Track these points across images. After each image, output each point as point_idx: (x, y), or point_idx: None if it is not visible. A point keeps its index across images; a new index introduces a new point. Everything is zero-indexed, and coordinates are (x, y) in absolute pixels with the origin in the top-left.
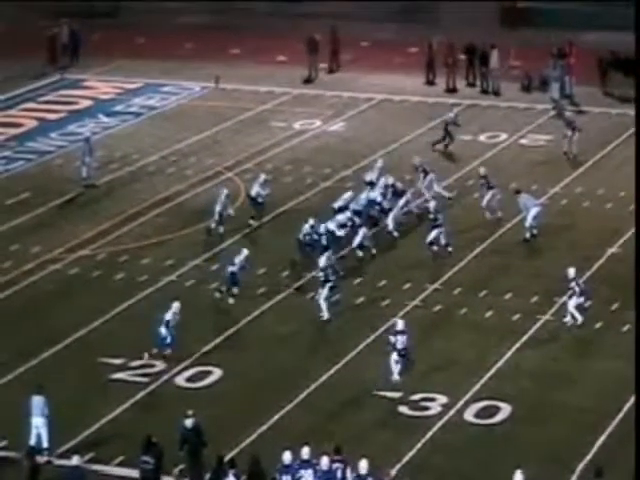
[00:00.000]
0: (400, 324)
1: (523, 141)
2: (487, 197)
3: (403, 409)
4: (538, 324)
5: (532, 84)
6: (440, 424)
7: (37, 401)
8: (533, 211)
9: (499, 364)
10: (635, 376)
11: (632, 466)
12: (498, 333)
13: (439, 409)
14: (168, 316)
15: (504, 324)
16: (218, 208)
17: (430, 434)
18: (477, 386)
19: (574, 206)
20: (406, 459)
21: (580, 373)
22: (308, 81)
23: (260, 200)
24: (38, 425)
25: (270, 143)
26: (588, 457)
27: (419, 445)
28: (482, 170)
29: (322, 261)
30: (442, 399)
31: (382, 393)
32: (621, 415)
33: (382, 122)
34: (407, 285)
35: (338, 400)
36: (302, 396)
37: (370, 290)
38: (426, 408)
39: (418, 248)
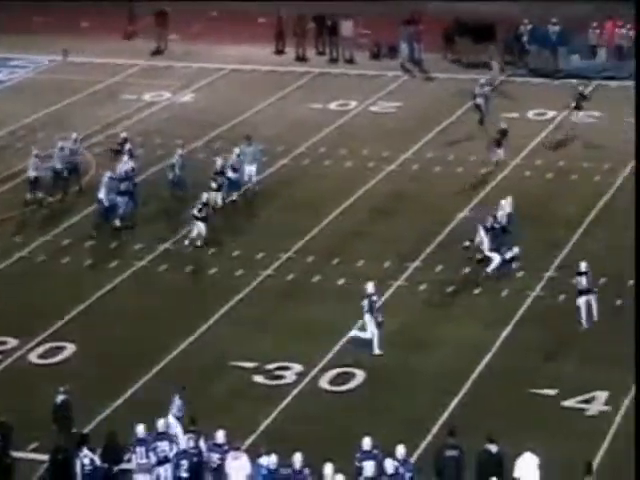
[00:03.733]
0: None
1: (373, 108)
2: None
3: (258, 378)
4: (391, 290)
5: (381, 52)
6: (295, 392)
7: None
8: (247, 169)
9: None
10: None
11: (485, 426)
12: (352, 300)
13: (294, 377)
14: None
15: (357, 291)
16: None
17: (285, 403)
18: (331, 353)
19: (425, 171)
20: (262, 428)
21: (433, 337)
22: (157, 53)
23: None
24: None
25: (120, 115)
26: (442, 419)
27: (275, 414)
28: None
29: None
30: (297, 367)
31: (237, 363)
32: (474, 377)
33: (232, 92)
34: (260, 255)
35: (194, 371)
36: (157, 369)
37: (224, 260)
38: (281, 377)
39: (272, 218)
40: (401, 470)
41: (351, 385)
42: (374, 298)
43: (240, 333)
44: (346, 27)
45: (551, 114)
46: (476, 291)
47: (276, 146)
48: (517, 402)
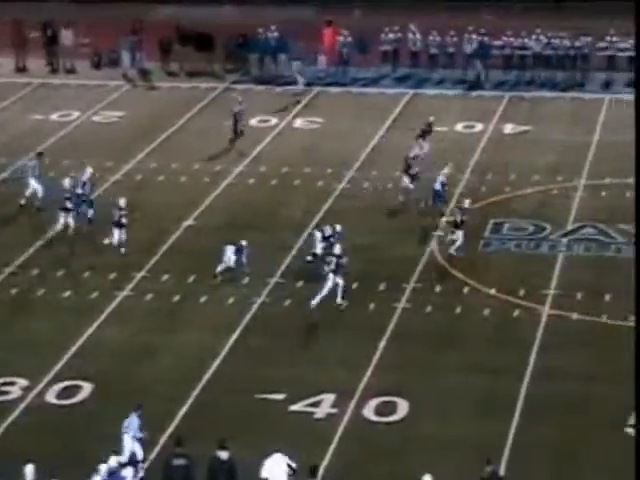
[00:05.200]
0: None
1: (95, 118)
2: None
3: None
4: (117, 300)
5: (102, 61)
6: (22, 407)
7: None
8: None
9: (79, 343)
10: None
11: (214, 433)
12: (77, 312)
13: (20, 392)
14: None
15: (83, 302)
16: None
17: (12, 418)
18: (58, 367)
19: (149, 181)
20: None
21: (160, 346)
22: None
23: None
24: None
25: None
26: (170, 428)
27: (1, 430)
28: None
29: None
30: (23, 382)
31: None
32: (202, 384)
33: None
34: None
35: None
36: None
37: None
38: (6, 392)
39: None
40: None
41: (78, 398)
42: (342, 261)
43: None
44: (66, 36)
45: (274, 121)
46: (202, 299)
47: None
48: (246, 408)
